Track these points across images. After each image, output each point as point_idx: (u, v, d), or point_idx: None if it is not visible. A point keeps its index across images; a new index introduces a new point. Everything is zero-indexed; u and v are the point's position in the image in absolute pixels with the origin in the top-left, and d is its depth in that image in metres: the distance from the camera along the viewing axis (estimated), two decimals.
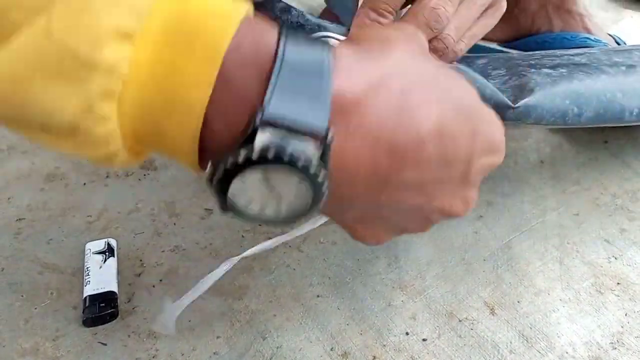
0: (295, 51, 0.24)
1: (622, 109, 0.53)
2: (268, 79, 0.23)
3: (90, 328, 0.50)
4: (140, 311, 0.52)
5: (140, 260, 0.56)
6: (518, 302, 0.52)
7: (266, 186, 0.24)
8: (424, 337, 0.50)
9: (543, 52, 0.59)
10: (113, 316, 0.51)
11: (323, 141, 0.24)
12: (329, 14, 0.78)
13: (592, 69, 0.53)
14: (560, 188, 0.64)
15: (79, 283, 0.54)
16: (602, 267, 0.55)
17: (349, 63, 0.25)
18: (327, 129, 0.23)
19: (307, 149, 0.23)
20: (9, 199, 0.63)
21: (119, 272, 0.55)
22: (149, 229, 0.60)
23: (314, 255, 0.57)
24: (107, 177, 0.66)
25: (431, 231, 0.58)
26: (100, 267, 0.54)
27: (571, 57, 0.55)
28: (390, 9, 0.40)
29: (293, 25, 0.41)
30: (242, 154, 0.23)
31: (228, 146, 0.24)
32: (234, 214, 0.26)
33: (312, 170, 0.24)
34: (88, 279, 0.53)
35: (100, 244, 0.56)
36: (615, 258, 0.56)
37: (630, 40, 0.78)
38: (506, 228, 0.59)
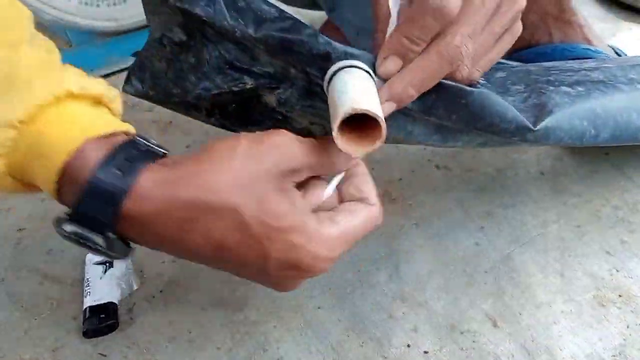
0: (103, 179, 0.33)
1: (637, 129, 0.54)
2: (81, 194, 0.33)
3: (91, 339, 0.50)
4: (140, 322, 0.52)
5: (141, 271, 0.56)
6: (520, 314, 0.52)
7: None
8: (426, 349, 0.50)
9: (560, 65, 0.59)
10: (113, 327, 0.51)
11: (108, 238, 0.34)
12: (330, 26, 0.79)
13: (609, 87, 0.54)
14: (561, 200, 0.64)
15: (79, 294, 0.54)
16: (603, 279, 0.55)
17: (146, 192, 0.33)
18: (111, 233, 0.34)
19: (97, 240, 0.34)
20: (9, 209, 0.63)
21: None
22: None
23: None
24: None
25: (432, 243, 0.59)
26: (101, 277, 0.54)
27: (588, 73, 0.55)
28: (425, 37, 0.40)
29: (320, 53, 0.41)
30: (60, 232, 0.34)
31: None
32: None
33: (102, 250, 0.34)
34: (88, 290, 0.53)
35: None
36: (617, 270, 0.56)
37: (629, 52, 0.79)
38: (507, 240, 0.59)
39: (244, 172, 0.35)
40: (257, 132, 0.38)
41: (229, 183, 0.34)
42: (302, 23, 0.41)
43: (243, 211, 0.34)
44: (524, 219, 0.61)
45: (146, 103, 0.82)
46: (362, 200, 0.40)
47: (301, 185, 0.39)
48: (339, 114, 0.35)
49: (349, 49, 0.41)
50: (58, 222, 0.35)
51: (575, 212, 0.62)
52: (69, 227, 0.34)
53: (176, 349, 0.50)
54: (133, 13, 0.84)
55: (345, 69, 0.39)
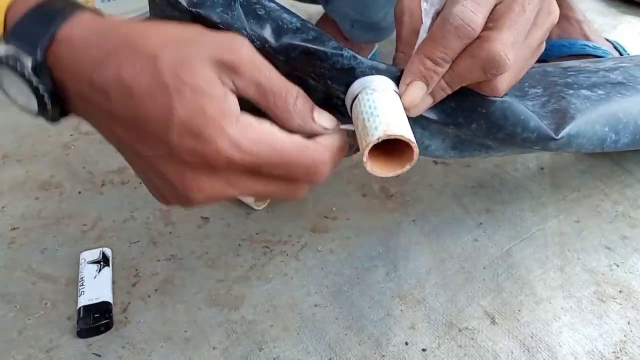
0: (48, 5, 0.34)
1: None
2: (24, 15, 0.33)
3: (85, 339, 0.50)
4: (135, 322, 0.51)
5: (136, 270, 0.56)
6: (519, 311, 0.52)
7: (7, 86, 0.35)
8: (424, 347, 0.49)
9: (576, 65, 0.57)
10: (107, 327, 0.50)
11: (35, 61, 0.33)
12: (327, 19, 0.78)
13: (629, 89, 0.53)
14: (561, 195, 0.63)
15: (73, 293, 0.53)
16: (603, 275, 0.55)
17: (83, 20, 0.34)
18: (40, 56, 0.33)
19: (25, 61, 0.33)
20: (3, 207, 0.63)
21: (113, 282, 0.54)
22: (144, 238, 0.59)
23: (312, 264, 0.56)
24: (103, 185, 0.65)
25: (430, 239, 0.58)
26: (95, 277, 0.53)
27: (606, 74, 0.54)
28: (449, 58, 0.37)
29: (344, 67, 0.39)
30: None
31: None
32: None
33: (26, 74, 0.33)
34: (82, 289, 0.52)
35: (95, 254, 0.56)
36: (617, 265, 0.55)
37: (629, 45, 0.78)
38: (506, 236, 0.59)
39: (180, 36, 0.34)
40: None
41: (160, 36, 0.33)
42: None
43: (161, 59, 0.32)
44: (523, 215, 0.61)
45: None
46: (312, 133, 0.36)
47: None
48: (371, 138, 0.34)
49: (375, 64, 0.39)
50: None
51: (575, 208, 0.61)
52: (1, 49, 0.33)
53: (171, 349, 0.49)
54: (128, 9, 0.83)
55: (372, 87, 0.37)
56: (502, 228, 0.60)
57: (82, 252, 0.56)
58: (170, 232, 0.60)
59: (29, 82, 0.33)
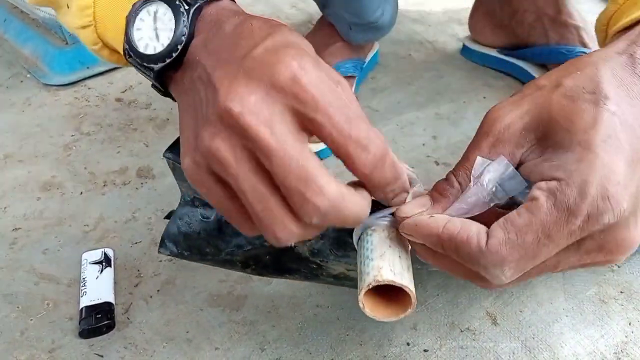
0: None
1: None
2: None
3: (87, 340, 0.50)
4: (137, 322, 0.51)
5: (138, 271, 0.56)
6: (520, 311, 0.52)
7: (153, 20, 0.37)
8: (425, 347, 0.49)
9: None
10: (110, 327, 0.50)
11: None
12: (325, 23, 0.78)
13: None
14: None
15: (75, 294, 0.53)
16: (605, 276, 0.55)
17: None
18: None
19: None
20: (5, 208, 0.63)
21: (115, 283, 0.54)
22: (146, 239, 0.59)
23: None
24: (104, 185, 0.65)
25: None
26: (97, 277, 0.54)
27: None
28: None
29: None
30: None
31: None
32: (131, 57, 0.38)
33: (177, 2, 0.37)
34: (84, 290, 0.52)
35: (97, 254, 0.56)
36: (619, 267, 0.56)
37: None
38: None
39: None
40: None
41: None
42: None
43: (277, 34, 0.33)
44: None
45: (143, 100, 0.81)
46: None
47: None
48: (362, 284, 0.33)
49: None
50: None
51: None
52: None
53: (174, 349, 0.49)
54: None
55: (372, 227, 0.36)
56: None
57: (84, 252, 0.56)
58: None
59: (183, 13, 0.36)
